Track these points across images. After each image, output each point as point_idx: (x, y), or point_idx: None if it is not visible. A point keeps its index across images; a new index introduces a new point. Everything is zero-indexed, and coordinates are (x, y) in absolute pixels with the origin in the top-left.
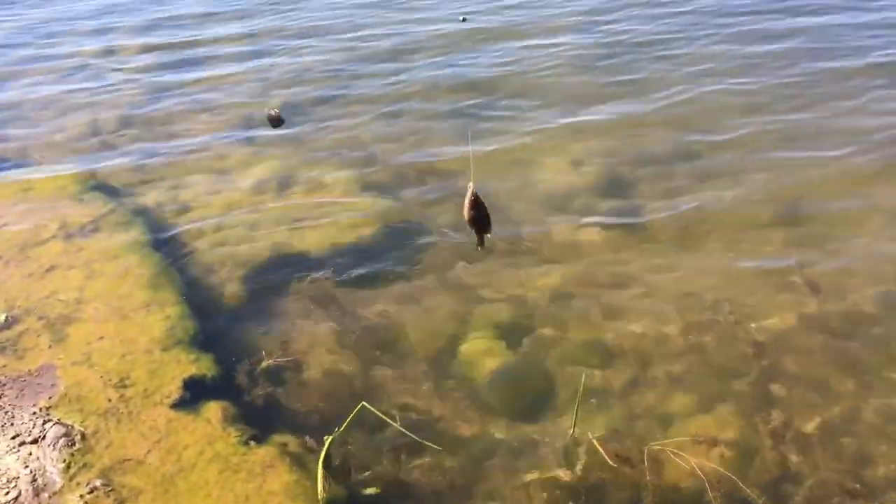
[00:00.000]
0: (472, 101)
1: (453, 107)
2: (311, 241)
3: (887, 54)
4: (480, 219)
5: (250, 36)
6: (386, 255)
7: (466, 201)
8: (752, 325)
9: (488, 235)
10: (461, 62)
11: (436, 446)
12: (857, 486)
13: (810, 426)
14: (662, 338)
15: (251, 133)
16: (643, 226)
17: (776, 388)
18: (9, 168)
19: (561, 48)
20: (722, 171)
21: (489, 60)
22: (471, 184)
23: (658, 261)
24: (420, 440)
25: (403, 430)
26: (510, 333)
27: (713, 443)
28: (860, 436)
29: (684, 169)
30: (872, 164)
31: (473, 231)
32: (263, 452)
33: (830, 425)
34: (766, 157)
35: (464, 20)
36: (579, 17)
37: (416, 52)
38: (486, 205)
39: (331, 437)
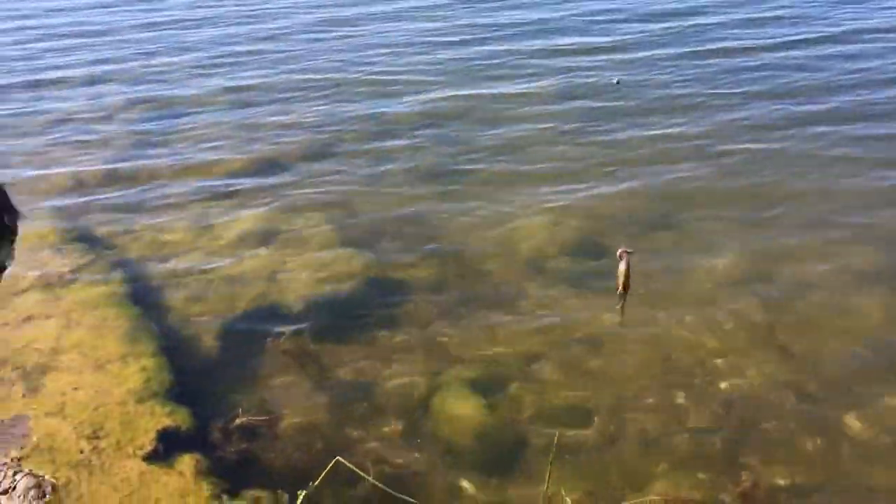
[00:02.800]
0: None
1: (435, 166)
2: (290, 296)
3: None
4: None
5: (236, 89)
6: (363, 311)
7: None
8: (723, 384)
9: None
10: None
11: (410, 499)
12: None
13: (780, 486)
14: (637, 396)
15: (233, 186)
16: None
17: (746, 449)
18: None
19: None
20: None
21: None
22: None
23: (633, 319)
24: (394, 493)
25: (377, 483)
26: (484, 391)
27: (683, 502)
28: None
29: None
30: None
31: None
32: None
33: (798, 486)
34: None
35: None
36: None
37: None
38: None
39: (304, 492)
